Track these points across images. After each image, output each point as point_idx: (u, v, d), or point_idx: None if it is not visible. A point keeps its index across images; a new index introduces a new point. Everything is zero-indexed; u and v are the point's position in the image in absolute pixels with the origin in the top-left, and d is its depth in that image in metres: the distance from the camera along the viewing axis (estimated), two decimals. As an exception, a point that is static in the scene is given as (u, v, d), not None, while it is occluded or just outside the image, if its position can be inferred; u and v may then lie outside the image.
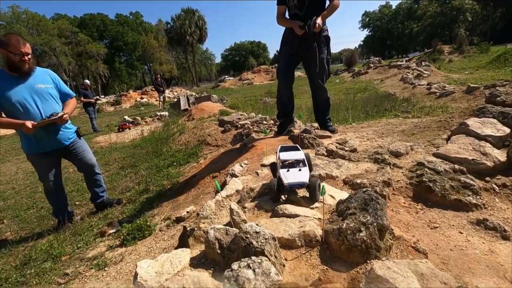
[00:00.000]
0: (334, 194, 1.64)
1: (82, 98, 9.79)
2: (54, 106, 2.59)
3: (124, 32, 49.92)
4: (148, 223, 2.11)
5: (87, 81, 10.00)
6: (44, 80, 2.55)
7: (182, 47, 42.11)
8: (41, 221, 3.13)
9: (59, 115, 2.43)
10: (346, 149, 2.45)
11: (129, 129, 9.23)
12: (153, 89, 17.99)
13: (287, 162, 1.56)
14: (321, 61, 2.82)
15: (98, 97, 25.93)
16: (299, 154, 1.61)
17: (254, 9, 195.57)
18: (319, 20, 2.54)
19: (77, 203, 3.50)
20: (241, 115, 4.90)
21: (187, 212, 2.10)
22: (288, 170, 1.51)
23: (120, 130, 9.15)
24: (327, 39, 2.87)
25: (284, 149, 1.71)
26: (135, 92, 21.77)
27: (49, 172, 2.67)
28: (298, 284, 1.08)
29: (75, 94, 2.82)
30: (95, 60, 43.30)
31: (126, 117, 11.38)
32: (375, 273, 1.04)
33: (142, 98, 19.32)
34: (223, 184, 2.19)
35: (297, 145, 1.90)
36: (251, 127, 3.84)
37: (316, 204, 1.49)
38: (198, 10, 41.26)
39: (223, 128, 4.43)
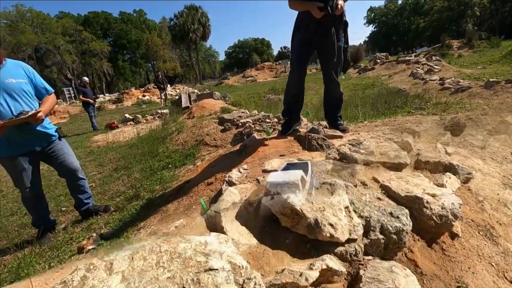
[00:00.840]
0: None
1: (81, 96, 9.57)
2: (28, 103, 2.29)
3: (128, 30, 49.68)
4: (131, 240, 1.80)
5: (86, 78, 9.74)
6: (15, 74, 2.25)
7: (186, 44, 41.80)
8: (22, 230, 2.85)
9: (30, 113, 2.13)
10: (362, 151, 2.11)
11: (117, 127, 9.06)
12: (155, 86, 17.72)
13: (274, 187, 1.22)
14: (339, 50, 2.48)
15: (102, 95, 25.85)
16: (295, 175, 1.27)
17: (257, 6, 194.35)
18: (341, 1, 2.21)
19: (64, 209, 3.22)
20: (242, 112, 4.58)
21: (176, 227, 1.79)
22: (272, 198, 1.19)
23: (111, 128, 9.01)
24: (345, 24, 2.53)
25: (290, 166, 1.36)
26: (137, 90, 21.54)
27: (25, 177, 2.38)
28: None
29: (53, 90, 2.52)
30: (99, 58, 43.18)
31: (127, 115, 11.14)
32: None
33: (144, 96, 19.07)
34: (218, 194, 1.88)
35: (308, 161, 1.55)
36: (252, 125, 3.51)
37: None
38: (201, 7, 40.89)
39: (223, 127, 4.11)
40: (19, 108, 2.21)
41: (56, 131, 2.52)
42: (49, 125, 2.47)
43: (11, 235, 2.77)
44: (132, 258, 1.13)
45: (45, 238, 2.47)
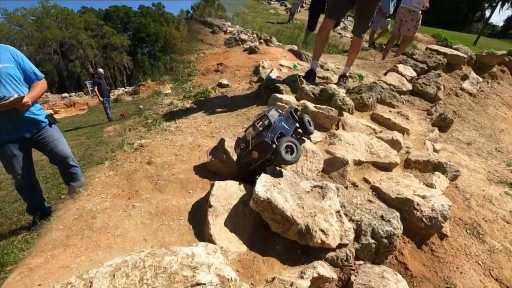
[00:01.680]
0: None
1: (95, 89, 9.80)
2: (16, 88, 2.25)
3: (147, 24, 50.37)
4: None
5: (101, 70, 9.96)
6: (2, 58, 2.20)
7: (202, 36, 41.90)
8: (21, 217, 2.89)
9: (12, 98, 2.08)
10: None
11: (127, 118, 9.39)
12: (171, 78, 17.91)
13: None
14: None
15: (123, 88, 26.46)
16: None
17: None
18: None
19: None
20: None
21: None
22: None
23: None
24: None
25: None
26: (153, 82, 21.87)
27: (16, 164, 2.36)
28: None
29: (43, 75, 2.47)
30: (119, 52, 44.21)
31: (141, 106, 11.31)
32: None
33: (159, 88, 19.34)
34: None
35: None
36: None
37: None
38: (218, -3, 40.69)
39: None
40: (5, 93, 2.17)
41: (46, 117, 2.49)
42: (39, 111, 2.43)
43: (10, 221, 2.82)
44: (114, 275, 1.06)
45: (37, 225, 2.47)
